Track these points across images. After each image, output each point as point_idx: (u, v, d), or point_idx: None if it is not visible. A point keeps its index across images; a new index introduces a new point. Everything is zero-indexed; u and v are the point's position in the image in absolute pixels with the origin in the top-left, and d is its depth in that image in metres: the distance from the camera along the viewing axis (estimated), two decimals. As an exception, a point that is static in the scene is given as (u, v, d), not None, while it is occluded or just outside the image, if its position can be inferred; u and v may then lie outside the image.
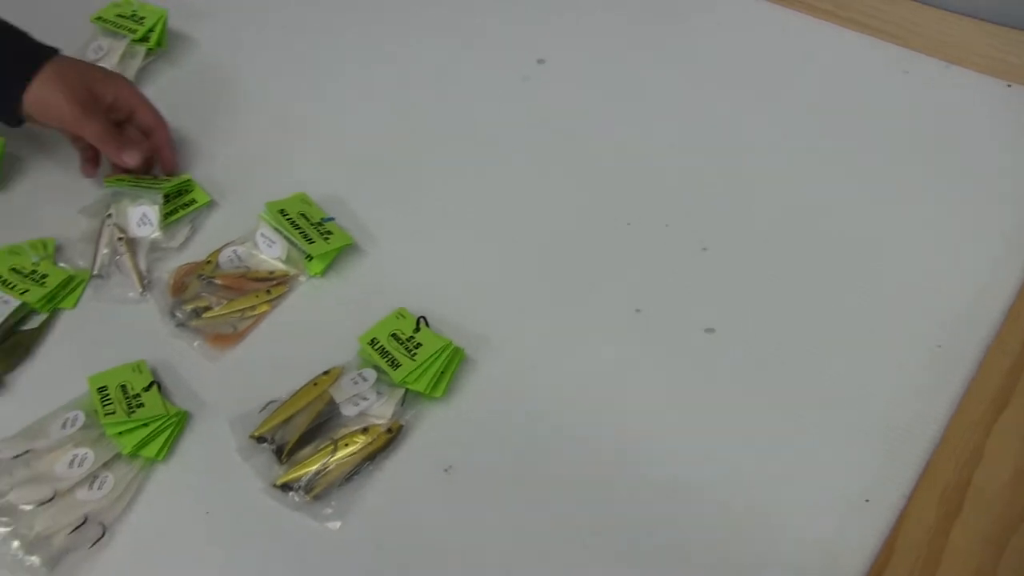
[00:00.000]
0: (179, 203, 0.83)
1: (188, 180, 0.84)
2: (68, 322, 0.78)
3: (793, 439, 0.64)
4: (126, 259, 0.79)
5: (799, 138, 0.83)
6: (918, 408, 0.65)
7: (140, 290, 0.78)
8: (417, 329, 0.71)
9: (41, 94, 0.79)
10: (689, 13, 0.96)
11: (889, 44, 0.89)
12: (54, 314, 0.78)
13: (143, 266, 0.80)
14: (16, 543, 0.63)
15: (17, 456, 0.68)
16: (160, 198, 0.81)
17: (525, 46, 0.95)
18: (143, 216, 0.81)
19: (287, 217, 0.79)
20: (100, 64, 0.93)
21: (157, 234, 0.81)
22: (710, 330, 0.71)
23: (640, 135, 0.86)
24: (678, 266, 0.75)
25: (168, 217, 0.81)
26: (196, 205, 0.83)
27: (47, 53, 0.81)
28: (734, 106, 0.87)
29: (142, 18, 0.97)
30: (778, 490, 0.62)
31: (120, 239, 0.80)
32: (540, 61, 0.93)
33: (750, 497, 0.62)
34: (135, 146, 0.82)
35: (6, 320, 0.76)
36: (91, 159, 0.86)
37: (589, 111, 0.88)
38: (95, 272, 0.80)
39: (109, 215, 0.82)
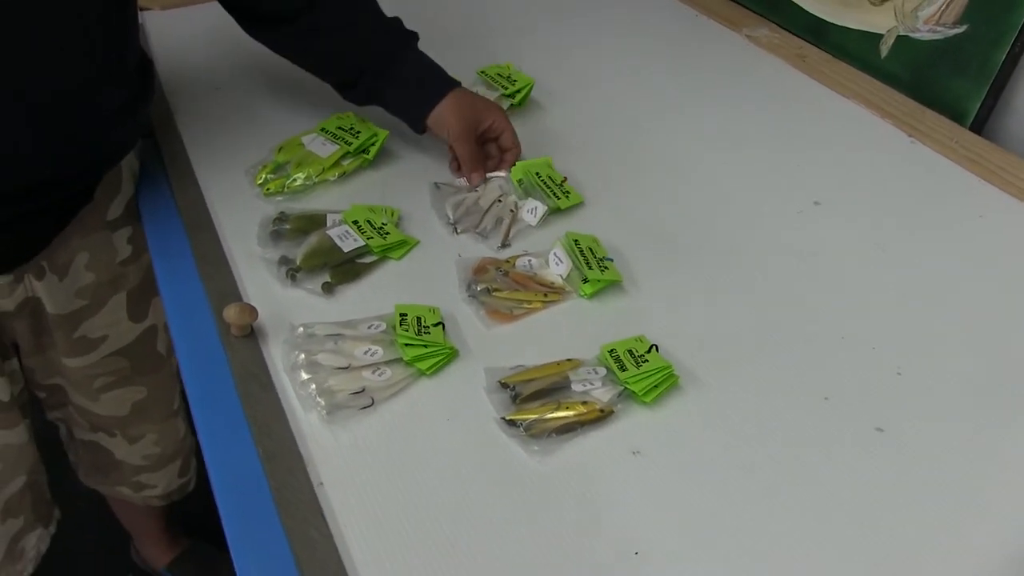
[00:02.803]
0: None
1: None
2: (392, 269, 1.00)
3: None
4: (506, 222, 1.05)
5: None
6: None
7: (500, 244, 1.03)
8: (649, 351, 0.88)
9: (439, 113, 1.08)
10: (952, 198, 1.12)
11: None
12: (383, 260, 1.01)
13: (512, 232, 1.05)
14: (313, 387, 0.84)
15: (329, 335, 0.90)
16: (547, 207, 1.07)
17: (807, 189, 1.13)
18: (534, 208, 1.06)
19: (579, 247, 0.99)
20: None
21: (534, 222, 1.06)
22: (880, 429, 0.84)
23: (872, 278, 1.01)
24: (874, 377, 0.89)
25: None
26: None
27: (452, 85, 1.09)
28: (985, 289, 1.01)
29: (515, 80, 1.24)
30: None
31: (511, 211, 1.06)
32: (816, 203, 1.11)
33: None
34: (481, 171, 1.10)
35: (351, 251, 1.00)
36: (457, 165, 1.13)
37: (841, 248, 1.05)
38: (477, 230, 1.05)
39: (500, 197, 1.08)
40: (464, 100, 1.10)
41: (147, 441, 1.30)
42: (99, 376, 1.19)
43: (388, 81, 1.10)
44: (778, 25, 1.49)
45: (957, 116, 1.25)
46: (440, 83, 1.10)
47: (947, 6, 1.22)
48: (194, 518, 1.57)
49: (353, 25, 1.10)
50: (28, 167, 0.91)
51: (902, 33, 1.30)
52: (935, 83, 1.28)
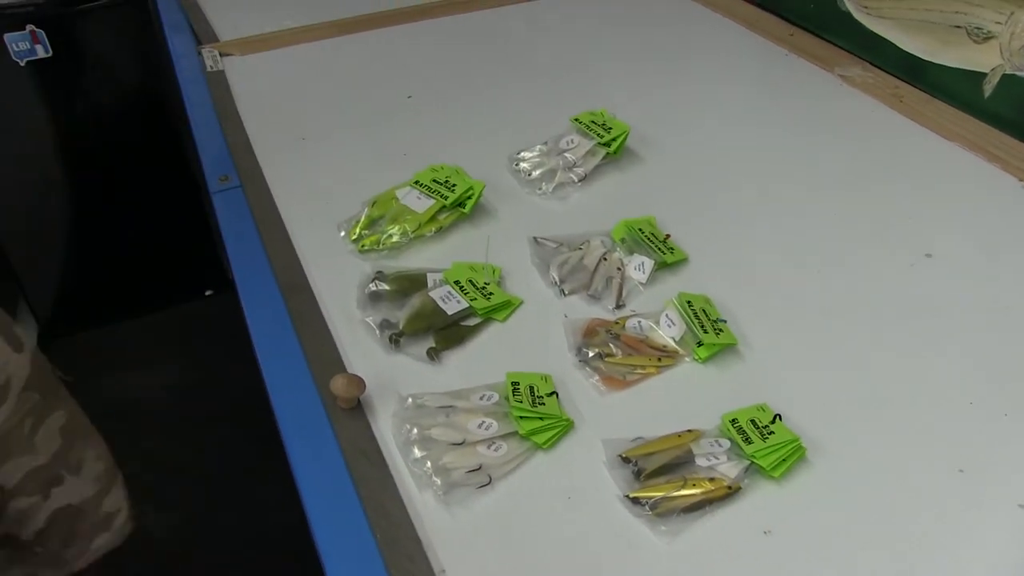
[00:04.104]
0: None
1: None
2: (496, 331, 0.98)
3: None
4: (616, 281, 1.01)
5: None
6: None
7: (615, 306, 0.99)
8: (773, 421, 0.85)
9: None
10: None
11: None
12: (487, 321, 0.98)
13: (624, 292, 1.01)
14: (428, 465, 0.81)
15: (440, 407, 0.87)
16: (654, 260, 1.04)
17: (917, 240, 1.09)
18: (641, 264, 1.03)
19: (692, 308, 0.96)
20: (565, 154, 1.17)
21: (643, 279, 1.02)
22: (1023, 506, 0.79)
23: (995, 337, 0.96)
24: (1011, 447, 0.84)
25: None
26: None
27: None
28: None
29: (610, 128, 1.21)
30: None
31: (619, 268, 1.03)
32: (928, 255, 1.07)
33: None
34: None
35: (454, 314, 0.97)
36: None
37: (960, 305, 1.01)
38: (589, 292, 1.01)
39: (605, 255, 1.05)
40: None
41: (89, 459, 1.28)
42: (24, 418, 1.17)
43: None
44: (871, 63, 1.45)
45: (1071, 159, 1.20)
46: None
47: (1059, 44, 1.17)
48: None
49: None
50: None
51: (1008, 72, 1.25)
52: (1046, 124, 1.23)
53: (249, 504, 2.01)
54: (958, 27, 1.30)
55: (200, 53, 1.52)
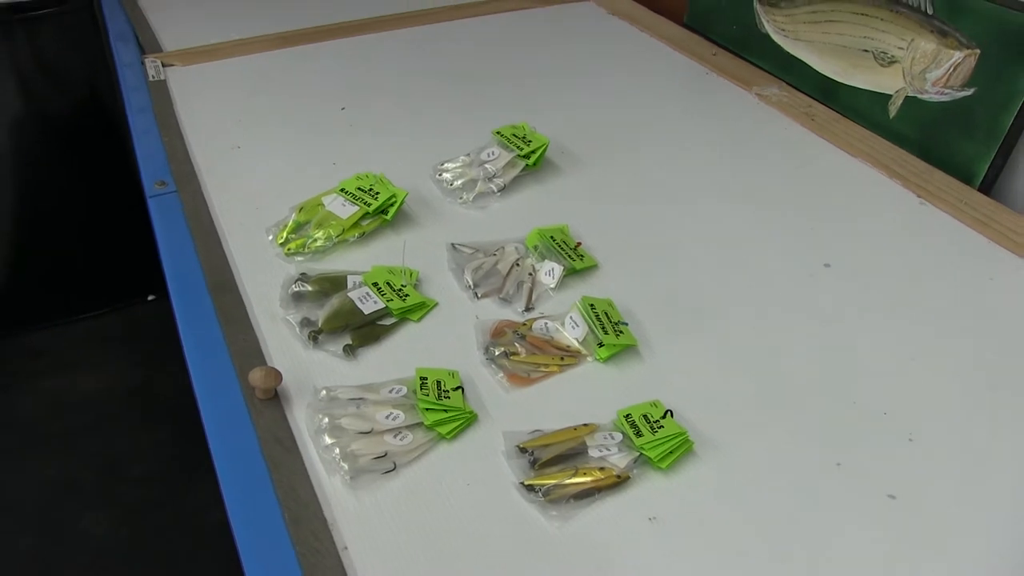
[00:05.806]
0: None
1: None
2: (411, 330, 1.03)
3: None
4: (527, 286, 1.07)
5: None
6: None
7: (524, 308, 1.05)
8: (664, 416, 0.90)
9: None
10: (963, 260, 1.15)
11: None
12: (402, 322, 1.03)
13: (533, 296, 1.06)
14: (337, 451, 0.86)
15: (351, 399, 0.92)
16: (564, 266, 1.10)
17: (817, 251, 1.15)
18: (551, 270, 1.08)
19: (594, 311, 1.01)
20: (486, 165, 1.22)
21: (553, 284, 1.08)
22: (892, 496, 0.85)
23: (883, 343, 1.03)
24: (886, 444, 0.90)
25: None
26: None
27: None
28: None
29: (529, 141, 1.26)
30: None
31: (530, 274, 1.08)
32: (826, 265, 1.13)
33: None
34: None
35: (371, 313, 1.02)
36: None
37: (852, 312, 1.07)
38: (501, 295, 1.06)
39: (518, 261, 1.10)
40: None
41: None
42: None
43: None
44: (788, 84, 1.52)
45: (966, 177, 1.27)
46: None
47: (955, 69, 1.25)
48: None
49: None
50: None
51: (911, 94, 1.33)
52: (944, 144, 1.30)
53: (188, 502, 2.04)
54: (866, 51, 1.37)
55: (143, 63, 1.57)
